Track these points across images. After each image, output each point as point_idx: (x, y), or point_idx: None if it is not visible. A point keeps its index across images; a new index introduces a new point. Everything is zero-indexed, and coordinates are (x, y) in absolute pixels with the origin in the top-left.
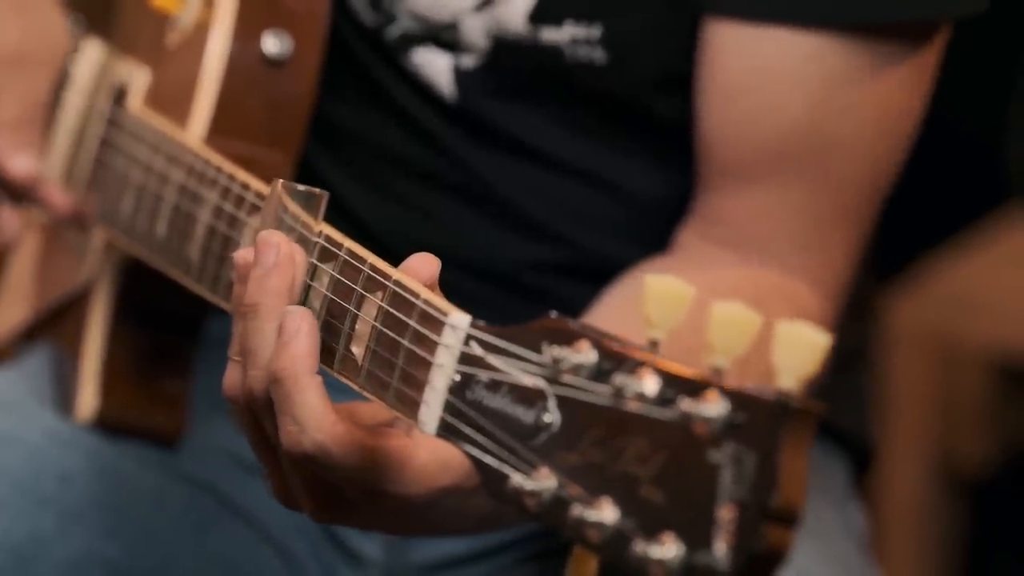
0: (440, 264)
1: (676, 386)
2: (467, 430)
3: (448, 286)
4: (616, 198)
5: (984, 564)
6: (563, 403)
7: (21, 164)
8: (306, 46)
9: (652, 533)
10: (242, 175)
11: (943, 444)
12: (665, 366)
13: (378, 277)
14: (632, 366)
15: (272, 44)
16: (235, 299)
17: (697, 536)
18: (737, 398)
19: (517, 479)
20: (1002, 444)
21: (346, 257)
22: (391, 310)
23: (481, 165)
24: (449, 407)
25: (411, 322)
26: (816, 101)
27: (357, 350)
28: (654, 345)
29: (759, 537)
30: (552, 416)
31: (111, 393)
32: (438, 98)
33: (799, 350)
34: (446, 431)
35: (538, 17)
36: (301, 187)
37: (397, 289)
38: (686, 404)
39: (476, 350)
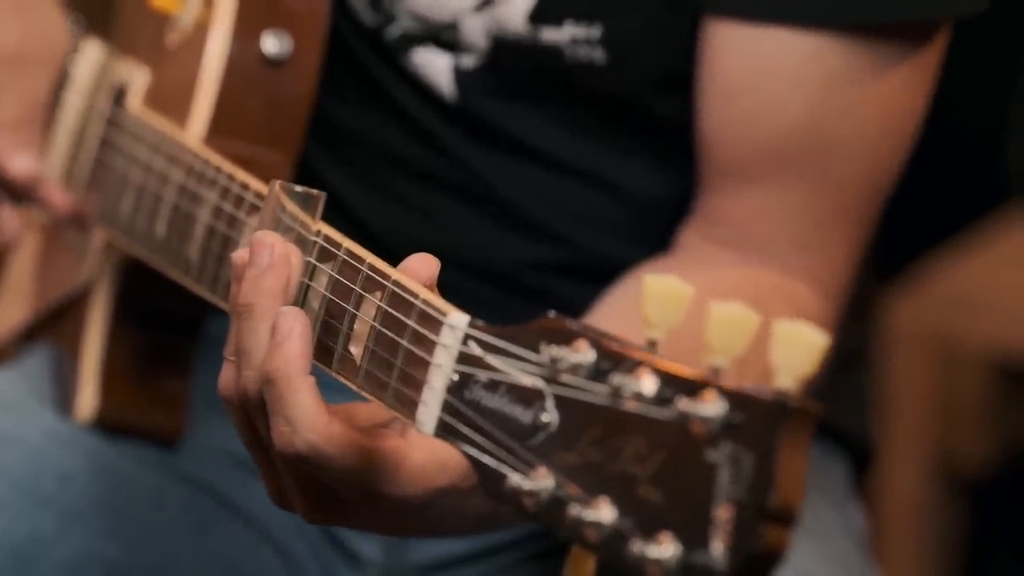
0: (439, 264)
1: (674, 386)
2: (465, 430)
3: (448, 286)
4: (616, 198)
5: (984, 564)
6: (561, 403)
7: (21, 164)
8: (306, 46)
9: (650, 533)
10: (241, 175)
11: (943, 444)
12: (663, 366)
13: (377, 277)
14: (630, 366)
15: (272, 44)
16: (231, 299)
17: (694, 536)
18: (735, 398)
19: (515, 479)
20: (1002, 444)
21: (345, 257)
22: (390, 310)
23: (481, 165)
24: (447, 407)
25: (410, 322)
26: (816, 101)
27: (355, 350)
28: (652, 345)
29: (756, 537)
30: (550, 416)
31: (111, 393)
32: (438, 98)
33: (797, 350)
34: (444, 431)
35: (538, 17)
36: (299, 188)
37: (396, 289)
38: (684, 404)
39: (474, 350)
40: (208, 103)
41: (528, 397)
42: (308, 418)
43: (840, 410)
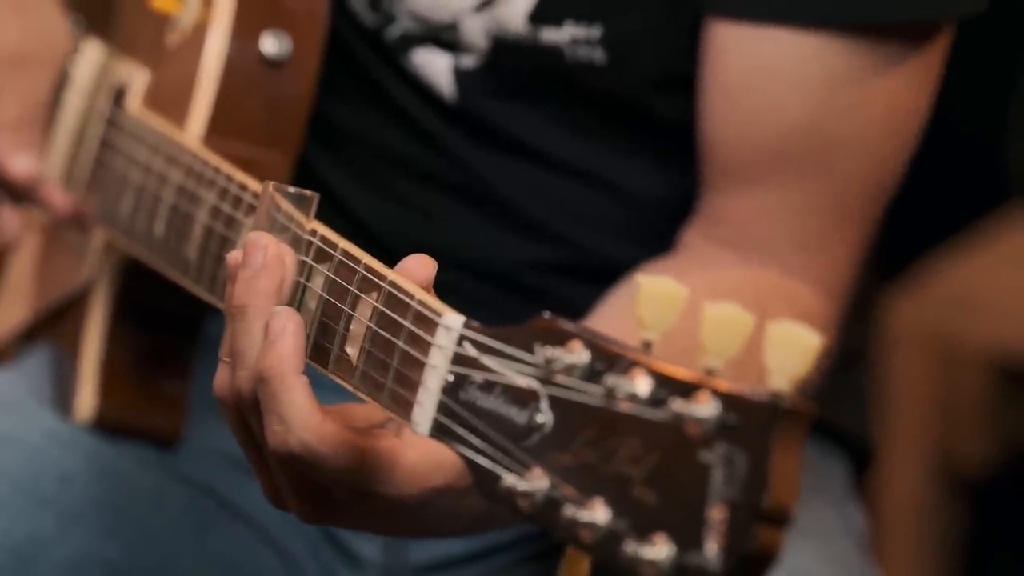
0: (436, 265)
1: (668, 387)
2: (460, 431)
3: (448, 286)
4: (616, 198)
5: (984, 564)
6: (556, 404)
7: (21, 164)
8: (305, 46)
9: (644, 533)
10: (240, 175)
11: (943, 444)
12: (657, 367)
13: (373, 278)
14: (624, 367)
15: (271, 44)
16: (225, 300)
17: (688, 536)
18: (729, 399)
19: (510, 480)
20: (1002, 444)
21: (341, 258)
22: (386, 311)
23: (481, 165)
24: (442, 408)
25: (405, 323)
26: (817, 101)
27: (352, 351)
28: (647, 346)
29: (750, 538)
30: (545, 417)
31: (110, 393)
32: (438, 98)
33: (791, 351)
34: (439, 432)
35: (538, 17)
36: (292, 189)
37: (392, 290)
38: (678, 405)
39: (469, 351)
40: (207, 103)
41: (523, 398)
42: (301, 417)
43: (840, 410)
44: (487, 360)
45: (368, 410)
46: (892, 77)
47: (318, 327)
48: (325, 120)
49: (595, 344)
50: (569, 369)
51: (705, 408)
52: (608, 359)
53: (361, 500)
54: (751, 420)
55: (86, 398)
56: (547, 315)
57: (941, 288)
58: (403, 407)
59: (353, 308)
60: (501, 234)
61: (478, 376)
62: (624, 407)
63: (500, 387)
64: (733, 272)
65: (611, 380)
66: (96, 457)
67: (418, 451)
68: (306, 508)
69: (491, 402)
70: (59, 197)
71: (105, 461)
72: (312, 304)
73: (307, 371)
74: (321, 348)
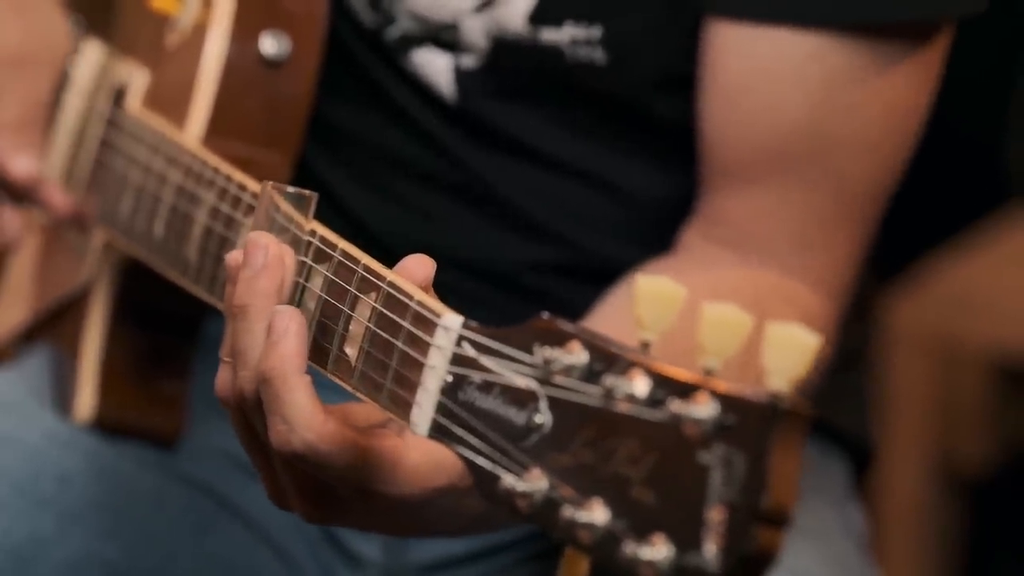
0: (435, 265)
1: (666, 387)
2: (459, 431)
3: (448, 286)
4: (616, 199)
5: (984, 564)
6: (554, 404)
7: (22, 165)
8: (304, 47)
9: (643, 534)
10: (239, 176)
11: (943, 444)
12: (655, 367)
13: (372, 278)
14: (623, 367)
15: (270, 45)
16: (226, 300)
17: (687, 537)
18: (727, 400)
19: (509, 480)
20: (1002, 444)
21: (340, 258)
22: (385, 311)
23: (481, 166)
24: (441, 408)
25: (404, 323)
26: (817, 101)
27: (351, 351)
28: (645, 346)
29: (749, 538)
30: (543, 417)
31: (110, 394)
32: (438, 99)
33: (790, 352)
34: (438, 432)
35: (538, 18)
36: (291, 189)
37: (391, 290)
38: (676, 405)
39: (468, 351)
40: (206, 104)
41: (522, 398)
42: (305, 416)
43: (840, 410)
44: (486, 361)
45: (368, 410)
46: (892, 77)
47: (317, 327)
48: (324, 120)
49: (594, 345)
50: (568, 370)
51: (704, 409)
52: (607, 359)
53: (363, 500)
54: (750, 421)
55: (86, 398)
56: (546, 315)
57: (941, 288)
58: (402, 408)
59: (352, 308)
60: (501, 234)
61: (477, 377)
62: (623, 408)
63: (499, 388)
64: (733, 272)
65: (610, 381)
66: (95, 457)
67: (420, 451)
68: (309, 508)
69: (490, 403)
70: (59, 197)
71: (104, 461)
72: (311, 304)
73: (308, 370)
74: (320, 348)
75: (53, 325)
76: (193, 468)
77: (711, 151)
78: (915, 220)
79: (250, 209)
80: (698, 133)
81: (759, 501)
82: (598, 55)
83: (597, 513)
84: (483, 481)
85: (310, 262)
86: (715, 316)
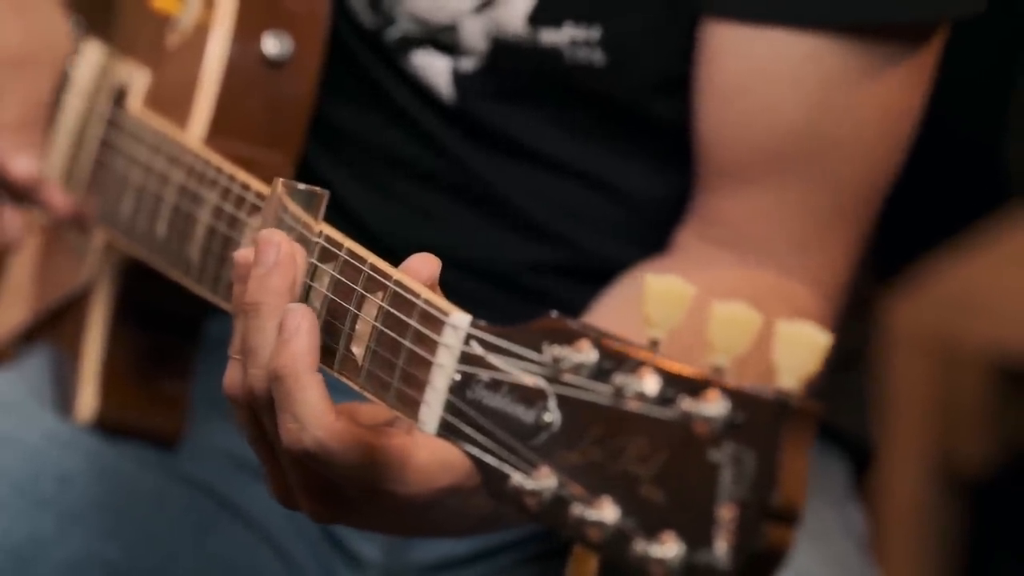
0: (440, 264)
1: (676, 385)
2: (467, 429)
3: (448, 286)
4: (615, 199)
5: (984, 564)
6: (563, 402)
7: (22, 165)
8: (306, 47)
9: (652, 532)
10: (242, 176)
11: (943, 444)
12: (665, 365)
13: (378, 277)
14: (632, 365)
15: (272, 45)
16: (235, 298)
17: (697, 535)
18: (737, 397)
19: (517, 478)
20: (1002, 444)
21: (346, 257)
22: (391, 310)
23: (480, 166)
24: (449, 407)
25: (412, 322)
26: (813, 102)
27: (357, 350)
28: (654, 344)
29: (759, 536)
30: (552, 415)
31: (111, 394)
32: (437, 100)
33: (800, 349)
34: (446, 431)
35: (537, 19)
36: (302, 186)
37: (398, 289)
38: (686, 403)
39: (477, 349)
40: (208, 104)
41: (530, 397)
42: (316, 415)
43: (840, 410)
44: (494, 359)
45: (374, 409)
46: (887, 78)
47: (324, 327)
48: (326, 121)
49: (603, 343)
50: (577, 368)
51: (714, 407)
52: (616, 358)
53: (371, 498)
54: (760, 419)
55: (87, 399)
56: (555, 314)
57: (941, 288)
58: (410, 406)
59: (359, 308)
60: (500, 234)
61: (485, 375)
62: (632, 406)
63: (507, 386)
64: (730, 272)
65: (619, 379)
66: (96, 458)
67: (428, 450)
68: (317, 507)
69: (498, 401)
70: (59, 198)
71: (105, 462)
72: (317, 304)
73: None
74: (327, 348)
75: (53, 325)
76: (194, 468)
77: (707, 151)
78: (915, 220)
79: (254, 208)
80: (694, 133)
81: (769, 499)
82: (597, 56)
83: (606, 511)
84: (492, 479)
85: (316, 262)
86: (725, 314)
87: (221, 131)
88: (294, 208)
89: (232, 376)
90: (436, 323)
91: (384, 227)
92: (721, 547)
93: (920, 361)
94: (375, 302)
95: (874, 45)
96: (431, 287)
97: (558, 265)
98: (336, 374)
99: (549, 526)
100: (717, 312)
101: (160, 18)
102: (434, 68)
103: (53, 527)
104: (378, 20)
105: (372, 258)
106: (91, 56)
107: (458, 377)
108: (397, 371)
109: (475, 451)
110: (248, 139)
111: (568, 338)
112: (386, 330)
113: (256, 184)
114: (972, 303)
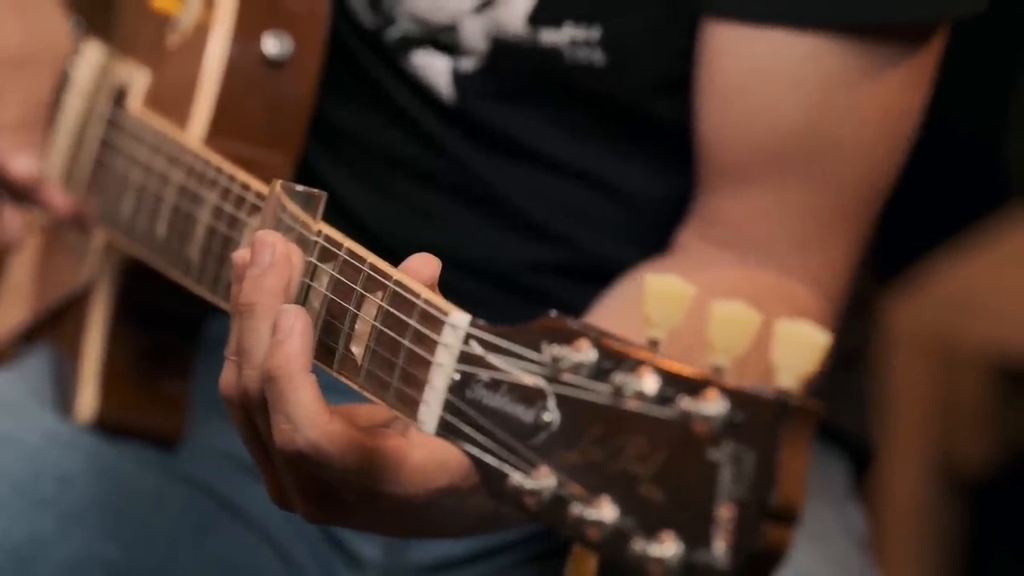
0: (440, 264)
1: (676, 385)
2: (467, 429)
3: (447, 286)
4: (615, 199)
5: (984, 564)
6: (563, 402)
7: (23, 165)
8: (306, 47)
9: (651, 532)
10: (242, 176)
11: (943, 444)
12: (665, 365)
13: (378, 277)
14: (632, 365)
15: (272, 45)
16: (232, 298)
17: (696, 535)
18: (737, 397)
19: (517, 478)
20: (1002, 444)
21: (346, 257)
22: (391, 310)
23: (480, 166)
24: (449, 406)
25: (411, 322)
26: (813, 102)
27: (357, 350)
28: (654, 344)
29: (758, 536)
30: (552, 415)
31: (111, 394)
32: (437, 100)
33: (799, 349)
34: (446, 430)
35: (537, 19)
36: (300, 187)
37: (397, 289)
38: (686, 403)
39: (476, 349)
40: (208, 104)
41: (530, 396)
42: (309, 416)
43: (840, 410)
44: (493, 359)
45: (372, 410)
46: (888, 78)
47: (323, 326)
48: (326, 121)
49: (602, 343)
50: (576, 367)
51: (713, 406)
52: (615, 357)
53: (367, 500)
54: (759, 418)
55: (87, 399)
56: (554, 314)
57: (941, 289)
58: (409, 406)
59: (358, 307)
60: (500, 234)
61: (484, 374)
62: (631, 405)
63: (507, 385)
64: (730, 272)
65: (619, 378)
66: (96, 458)
67: (424, 451)
68: (312, 508)
69: (498, 400)
70: (59, 198)
71: (105, 462)
72: (317, 303)
73: (313, 370)
74: (326, 347)
75: (53, 325)
76: (194, 468)
77: (708, 152)
78: (915, 220)
79: (254, 209)
80: (695, 133)
81: (768, 498)
82: (597, 56)
83: (605, 511)
84: (491, 479)
85: (315, 261)
86: (725, 314)
87: (221, 131)
88: (293, 208)
89: (227, 377)
90: (436, 323)
91: (384, 227)
92: (720, 547)
93: (920, 361)
94: (375, 302)
95: (874, 45)
96: (431, 287)
97: (558, 265)
98: (335, 374)
99: (548, 525)
100: (717, 312)
101: (160, 18)
102: (434, 68)
103: (53, 527)
104: (378, 20)
105: (372, 258)
106: (91, 56)
107: (457, 377)
108: (396, 371)
109: (474, 451)
110: (248, 139)
111: (567, 338)
112: (385, 330)
113: (256, 184)
114: (972, 303)
